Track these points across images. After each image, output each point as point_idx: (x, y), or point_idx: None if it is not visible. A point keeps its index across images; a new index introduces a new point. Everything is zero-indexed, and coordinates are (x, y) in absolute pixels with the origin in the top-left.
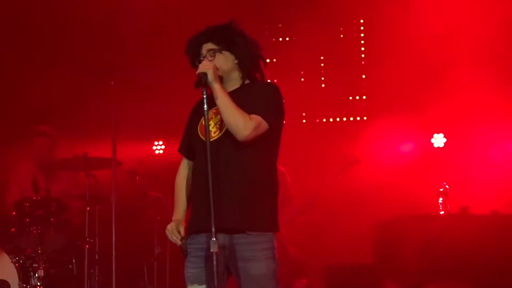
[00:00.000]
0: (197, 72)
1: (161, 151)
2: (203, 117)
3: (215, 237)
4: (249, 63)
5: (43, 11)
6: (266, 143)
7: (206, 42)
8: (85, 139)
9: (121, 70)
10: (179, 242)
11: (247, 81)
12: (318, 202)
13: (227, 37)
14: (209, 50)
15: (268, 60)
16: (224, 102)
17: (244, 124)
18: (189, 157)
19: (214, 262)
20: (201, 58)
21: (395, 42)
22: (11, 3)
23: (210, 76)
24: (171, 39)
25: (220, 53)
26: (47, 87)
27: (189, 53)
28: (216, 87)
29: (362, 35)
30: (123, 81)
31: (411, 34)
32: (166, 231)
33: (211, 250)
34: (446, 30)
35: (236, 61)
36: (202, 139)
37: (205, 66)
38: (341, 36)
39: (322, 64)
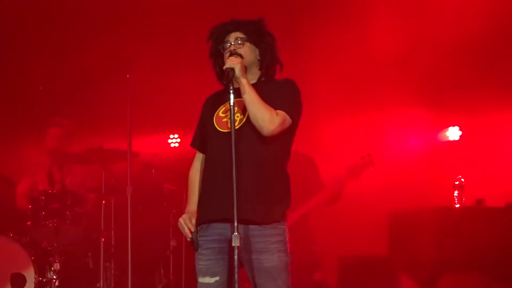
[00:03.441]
0: (224, 68)
1: (176, 144)
2: (219, 109)
3: (237, 231)
4: (270, 62)
5: (59, 3)
6: (284, 137)
7: (235, 30)
8: (100, 132)
9: (137, 63)
10: (189, 235)
11: (262, 79)
12: (342, 194)
13: (257, 32)
14: (238, 38)
15: None
16: (251, 96)
17: (270, 119)
18: (202, 151)
19: (236, 257)
20: (227, 45)
21: (407, 36)
22: None
23: (238, 71)
24: (188, 32)
25: (248, 43)
26: (62, 79)
27: (213, 39)
28: (244, 82)
29: None
30: (139, 75)
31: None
32: (179, 223)
33: (233, 244)
34: (457, 21)
35: (258, 57)
36: (218, 130)
37: (232, 61)
38: None
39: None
